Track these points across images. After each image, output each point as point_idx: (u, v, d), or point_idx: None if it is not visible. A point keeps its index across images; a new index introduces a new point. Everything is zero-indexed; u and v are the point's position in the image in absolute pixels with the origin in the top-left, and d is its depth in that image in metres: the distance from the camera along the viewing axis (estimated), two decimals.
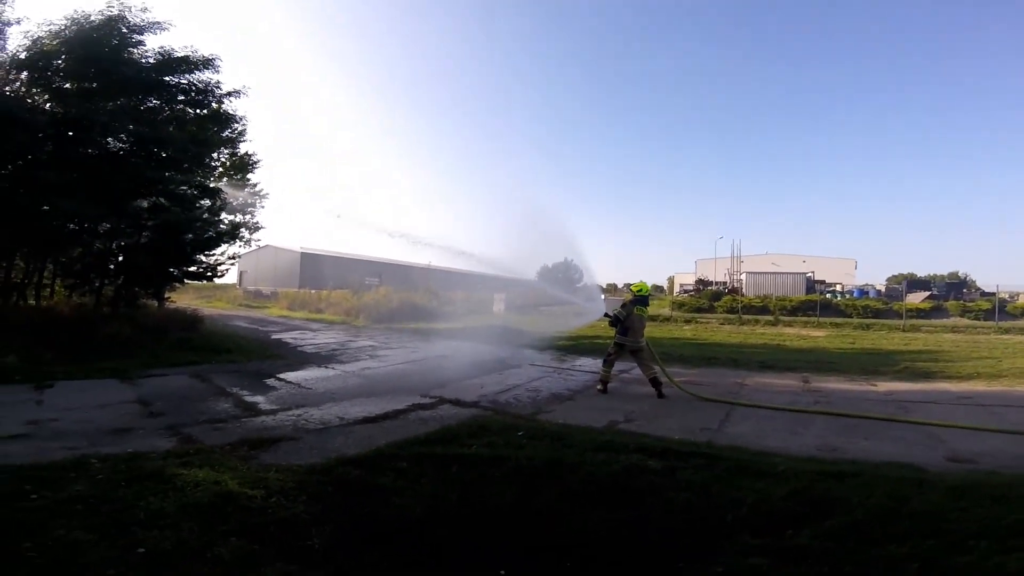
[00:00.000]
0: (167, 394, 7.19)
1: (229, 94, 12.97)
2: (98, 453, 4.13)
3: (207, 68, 12.21)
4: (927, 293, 33.50)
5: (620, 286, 65.35)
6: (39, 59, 10.80)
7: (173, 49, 11.85)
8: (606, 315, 8.50)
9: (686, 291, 42.36)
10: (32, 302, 11.95)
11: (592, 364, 10.44)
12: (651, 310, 20.74)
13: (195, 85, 12.28)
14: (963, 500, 3.36)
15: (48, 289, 12.83)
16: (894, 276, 53.42)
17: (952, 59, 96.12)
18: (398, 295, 25.03)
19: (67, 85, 11.31)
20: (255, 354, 11.41)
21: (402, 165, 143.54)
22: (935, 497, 3.44)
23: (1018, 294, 31.95)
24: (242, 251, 21.52)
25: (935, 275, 50.95)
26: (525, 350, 13.12)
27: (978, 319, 25.00)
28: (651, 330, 19.97)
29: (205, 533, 2.68)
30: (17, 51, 10.92)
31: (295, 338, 15.35)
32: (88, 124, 10.19)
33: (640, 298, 8.10)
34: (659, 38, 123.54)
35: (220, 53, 12.38)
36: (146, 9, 11.42)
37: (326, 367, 10.16)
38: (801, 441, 5.47)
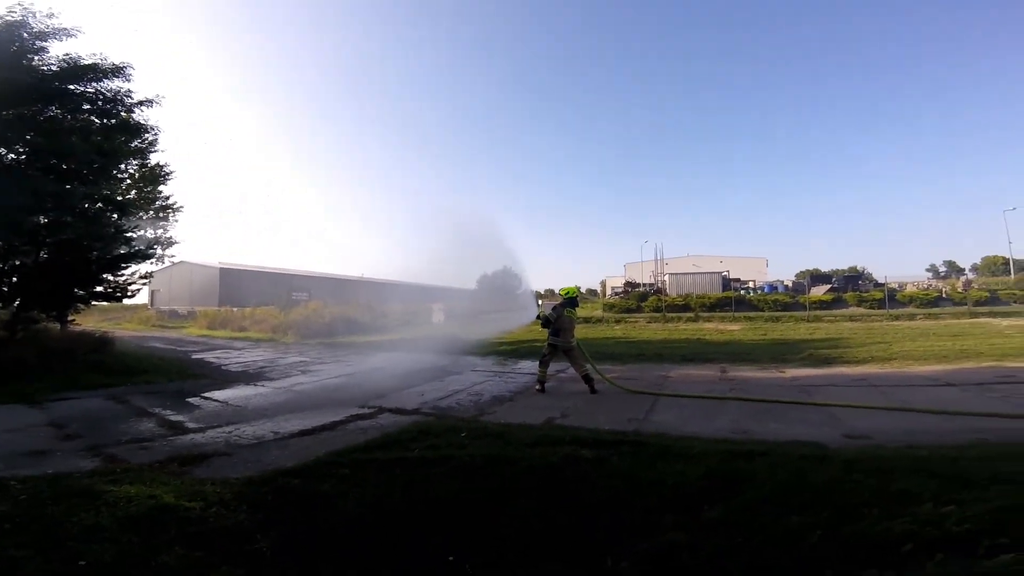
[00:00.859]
0: (82, 416, 6.78)
1: (141, 103, 12.00)
2: (16, 475, 3.94)
3: (117, 76, 11.30)
4: (828, 286, 36.87)
5: (556, 290, 67.06)
6: None
7: (80, 57, 10.90)
8: (538, 317, 8.84)
9: (616, 293, 44.01)
10: None
11: (532, 367, 10.66)
12: (585, 312, 21.40)
13: (102, 94, 11.33)
14: (856, 472, 3.74)
15: None
16: (802, 272, 58.26)
17: (847, 62, 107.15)
18: (330, 309, 24.30)
19: None
20: (175, 374, 10.74)
21: (329, 177, 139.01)
22: (833, 471, 3.81)
23: (905, 284, 36.07)
24: (155, 269, 20.04)
25: (836, 270, 56.26)
26: (467, 357, 13.23)
27: (873, 308, 27.97)
28: (585, 331, 20.79)
29: (147, 544, 2.65)
30: None
31: (218, 357, 14.60)
32: None
33: (569, 300, 8.51)
34: (585, 48, 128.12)
35: (133, 61, 11.51)
36: (52, 15, 10.47)
37: (255, 385, 9.79)
38: (717, 425, 5.93)
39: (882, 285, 31.66)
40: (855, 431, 5.52)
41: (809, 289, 34.33)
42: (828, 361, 11.24)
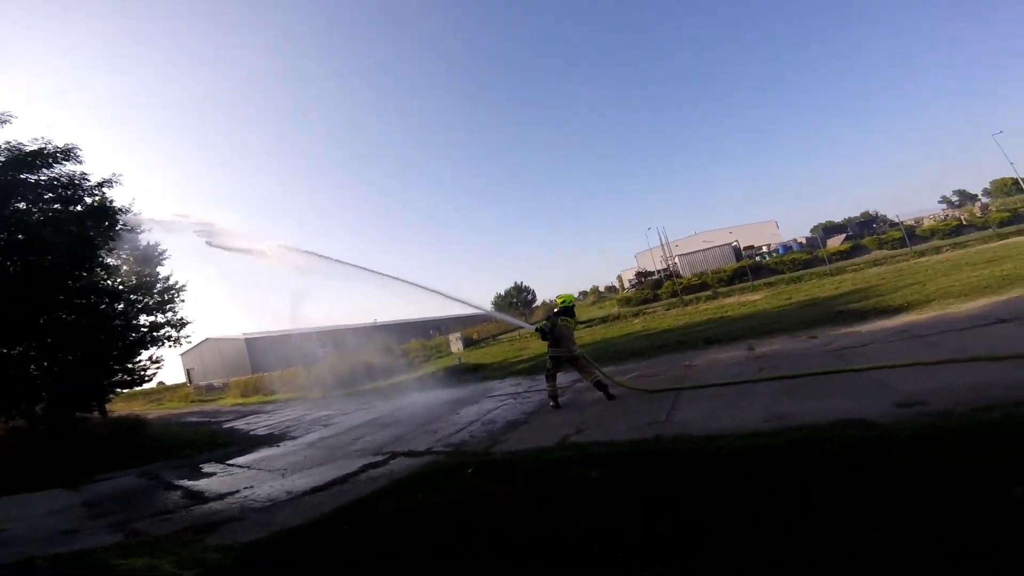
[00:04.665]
0: (114, 495, 7.33)
1: (100, 184, 11.61)
2: (46, 553, 4.30)
3: (67, 160, 10.96)
4: (844, 235, 35.39)
5: (576, 295, 66.16)
6: None
7: (22, 144, 10.58)
8: (536, 329, 8.54)
9: (633, 285, 43.25)
10: None
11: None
12: (603, 312, 20.85)
13: (59, 180, 10.99)
14: (922, 453, 3.15)
15: None
16: (816, 226, 56.12)
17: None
18: (351, 358, 24.24)
19: None
20: (205, 446, 11.20)
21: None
22: (895, 458, 3.21)
23: (922, 218, 35.01)
24: (182, 349, 20.16)
25: (849, 218, 54.49)
26: (485, 383, 13.01)
27: (894, 248, 26.74)
28: (604, 330, 20.34)
29: None
30: None
31: (248, 423, 14.86)
32: None
33: (566, 309, 8.17)
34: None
35: (80, 142, 11.08)
36: None
37: (278, 445, 9.89)
38: (748, 415, 5.31)
39: (898, 224, 30.50)
40: (910, 397, 4.64)
41: (825, 242, 32.80)
42: (862, 316, 10.18)
